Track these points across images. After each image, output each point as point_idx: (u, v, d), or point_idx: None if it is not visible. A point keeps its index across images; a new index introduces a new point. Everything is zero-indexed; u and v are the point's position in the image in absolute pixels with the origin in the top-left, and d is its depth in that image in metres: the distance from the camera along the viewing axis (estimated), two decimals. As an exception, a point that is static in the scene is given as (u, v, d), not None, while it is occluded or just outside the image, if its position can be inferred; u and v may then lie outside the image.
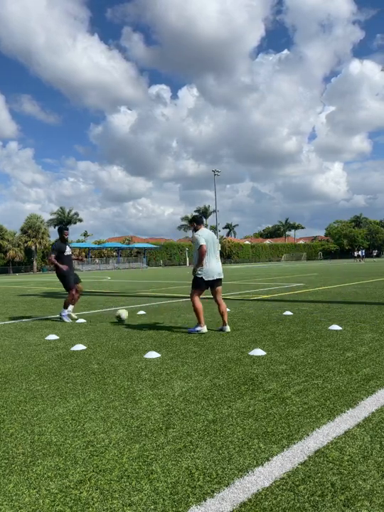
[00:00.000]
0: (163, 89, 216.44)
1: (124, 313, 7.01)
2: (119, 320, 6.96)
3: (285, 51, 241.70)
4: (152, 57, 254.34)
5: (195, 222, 6.02)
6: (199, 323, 5.71)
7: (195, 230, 5.97)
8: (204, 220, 6.11)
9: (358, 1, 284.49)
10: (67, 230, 7.90)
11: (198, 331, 5.66)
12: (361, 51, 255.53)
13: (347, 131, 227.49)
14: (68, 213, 68.38)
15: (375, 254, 58.59)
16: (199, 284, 5.77)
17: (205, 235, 5.76)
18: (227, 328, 5.76)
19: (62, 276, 7.53)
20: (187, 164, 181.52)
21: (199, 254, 5.64)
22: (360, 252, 52.79)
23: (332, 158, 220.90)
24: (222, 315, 5.80)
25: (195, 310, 5.71)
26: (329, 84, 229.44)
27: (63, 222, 67.97)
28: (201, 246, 5.62)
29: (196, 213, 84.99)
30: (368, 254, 53.92)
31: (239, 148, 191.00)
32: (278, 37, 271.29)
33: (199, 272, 5.71)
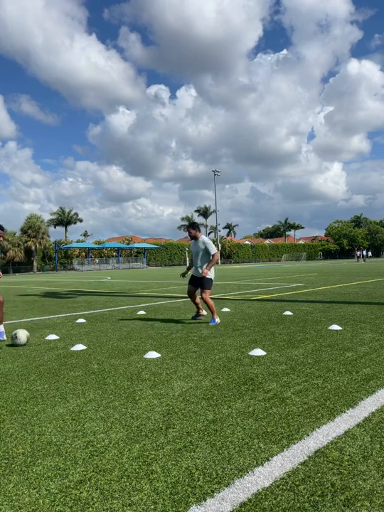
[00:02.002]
0: (161, 90, 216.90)
1: (20, 334, 5.23)
2: (15, 342, 5.24)
3: (283, 51, 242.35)
4: (150, 57, 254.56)
5: (197, 229, 6.62)
6: (215, 316, 6.50)
7: (195, 236, 6.60)
8: None
9: (356, 1, 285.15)
10: (3, 230, 5.60)
11: (217, 322, 6.44)
12: (359, 51, 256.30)
13: (346, 132, 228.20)
14: (68, 213, 68.41)
15: (368, 254, 57.61)
16: (212, 285, 6.63)
17: None
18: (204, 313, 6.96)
19: None
20: (186, 164, 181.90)
21: (215, 260, 6.52)
22: (363, 251, 52.65)
23: (331, 159, 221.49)
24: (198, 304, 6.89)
25: (211, 306, 6.47)
26: (327, 84, 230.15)
27: (63, 222, 68.05)
28: (217, 253, 6.62)
29: (196, 213, 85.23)
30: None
31: (238, 148, 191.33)
32: (276, 37, 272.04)
33: (210, 275, 6.54)
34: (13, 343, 5.23)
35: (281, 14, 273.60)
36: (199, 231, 6.65)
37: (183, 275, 7.08)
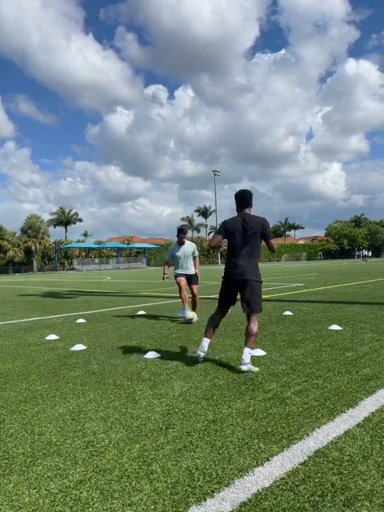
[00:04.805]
0: (159, 90, 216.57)
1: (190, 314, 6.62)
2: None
3: (281, 51, 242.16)
4: (147, 57, 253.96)
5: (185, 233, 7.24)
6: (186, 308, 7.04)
7: (184, 241, 7.01)
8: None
9: (353, 1, 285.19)
10: None
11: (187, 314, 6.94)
12: (356, 51, 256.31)
13: (344, 132, 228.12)
14: (68, 213, 68.39)
15: (369, 254, 57.31)
16: None
17: None
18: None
19: None
20: (184, 164, 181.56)
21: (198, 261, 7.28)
22: (363, 251, 52.69)
23: (330, 159, 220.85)
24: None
25: (198, 301, 7.14)
26: (325, 84, 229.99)
27: (63, 222, 68.04)
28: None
29: (196, 213, 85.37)
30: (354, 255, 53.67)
31: (236, 148, 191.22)
32: (273, 37, 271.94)
33: None
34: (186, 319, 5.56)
35: (278, 14, 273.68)
36: None
37: (164, 278, 7.33)
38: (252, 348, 3.73)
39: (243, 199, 3.93)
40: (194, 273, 7.09)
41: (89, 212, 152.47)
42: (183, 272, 7.02)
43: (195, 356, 3.66)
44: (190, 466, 2.08)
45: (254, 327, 3.80)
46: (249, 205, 3.94)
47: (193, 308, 7.09)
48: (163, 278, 7.30)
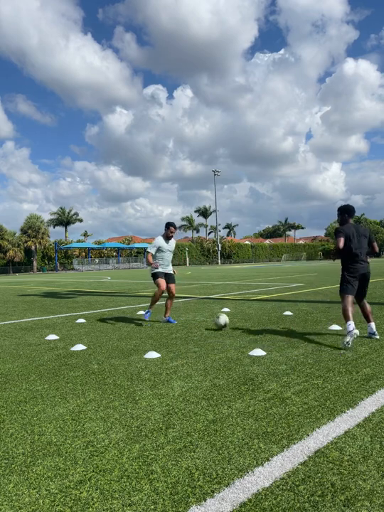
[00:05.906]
0: (159, 90, 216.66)
1: (222, 319, 5.81)
2: (220, 326, 5.86)
3: (280, 51, 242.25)
4: (145, 57, 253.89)
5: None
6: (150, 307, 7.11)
7: (171, 236, 6.89)
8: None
9: (352, 1, 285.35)
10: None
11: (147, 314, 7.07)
12: (355, 51, 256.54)
13: (343, 132, 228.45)
14: (68, 213, 68.37)
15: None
16: None
17: None
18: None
19: None
20: (183, 164, 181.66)
21: None
22: None
23: (329, 159, 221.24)
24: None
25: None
26: (324, 84, 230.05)
27: (63, 222, 68.02)
28: None
29: (196, 213, 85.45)
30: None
31: (235, 148, 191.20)
32: (272, 38, 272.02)
33: None
34: (216, 323, 5.62)
35: (276, 14, 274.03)
36: None
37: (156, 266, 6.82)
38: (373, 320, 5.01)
39: (349, 209, 4.99)
40: (172, 271, 6.94)
41: (89, 212, 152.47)
42: (163, 271, 6.78)
43: (353, 333, 4.45)
44: (190, 466, 2.08)
45: (368, 305, 5.09)
46: (352, 216, 5.00)
47: (167, 309, 6.89)
48: (157, 266, 6.67)
